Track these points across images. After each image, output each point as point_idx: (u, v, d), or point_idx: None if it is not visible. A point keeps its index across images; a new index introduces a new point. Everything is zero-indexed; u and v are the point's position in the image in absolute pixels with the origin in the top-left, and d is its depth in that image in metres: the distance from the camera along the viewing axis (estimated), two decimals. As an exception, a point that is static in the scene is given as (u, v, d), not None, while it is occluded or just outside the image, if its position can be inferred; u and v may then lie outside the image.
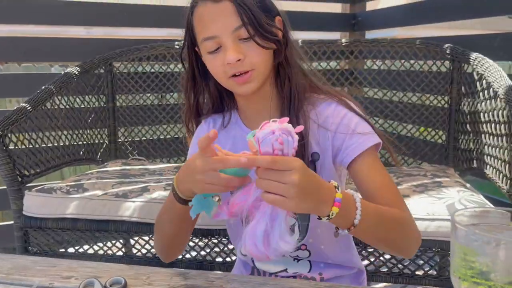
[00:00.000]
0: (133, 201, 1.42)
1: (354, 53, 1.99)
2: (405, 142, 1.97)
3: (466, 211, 0.50)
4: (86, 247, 1.57)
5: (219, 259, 1.46)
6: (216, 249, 1.45)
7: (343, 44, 1.98)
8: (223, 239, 1.40)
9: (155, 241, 0.91)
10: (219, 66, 0.80)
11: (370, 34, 2.63)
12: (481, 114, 1.52)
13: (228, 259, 1.45)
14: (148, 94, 2.09)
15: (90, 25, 2.29)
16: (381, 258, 1.35)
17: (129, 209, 1.41)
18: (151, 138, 2.11)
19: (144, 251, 1.49)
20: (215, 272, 0.75)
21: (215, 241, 1.41)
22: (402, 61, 1.93)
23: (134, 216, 1.40)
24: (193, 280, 0.70)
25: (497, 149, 1.38)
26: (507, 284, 0.45)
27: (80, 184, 1.51)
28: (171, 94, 2.10)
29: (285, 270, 0.92)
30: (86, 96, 1.93)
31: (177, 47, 2.04)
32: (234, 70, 0.80)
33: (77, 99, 1.88)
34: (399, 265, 1.34)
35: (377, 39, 2.03)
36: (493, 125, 1.41)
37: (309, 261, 0.93)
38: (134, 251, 1.53)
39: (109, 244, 1.53)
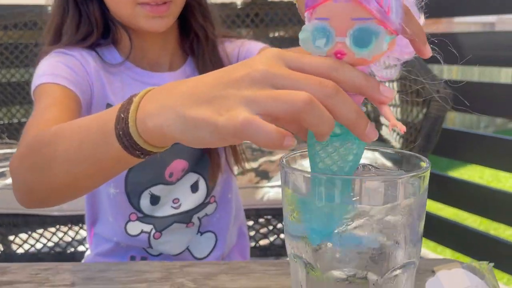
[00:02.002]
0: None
1: (250, 16, 1.85)
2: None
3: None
4: None
5: (71, 249, 1.30)
6: (67, 238, 1.29)
7: (239, 7, 1.83)
8: (75, 226, 1.21)
9: (24, 170, 0.49)
10: None
11: None
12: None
13: (80, 248, 1.29)
14: (18, 68, 1.80)
15: None
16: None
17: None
18: (24, 119, 1.83)
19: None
20: (43, 263, 0.59)
21: (65, 229, 1.23)
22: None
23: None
24: (12, 275, 0.57)
25: (390, 107, 1.30)
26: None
27: None
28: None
29: (187, 248, 0.76)
30: None
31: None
32: None
33: None
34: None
35: (274, 1, 1.90)
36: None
37: (215, 233, 0.78)
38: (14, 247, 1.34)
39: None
